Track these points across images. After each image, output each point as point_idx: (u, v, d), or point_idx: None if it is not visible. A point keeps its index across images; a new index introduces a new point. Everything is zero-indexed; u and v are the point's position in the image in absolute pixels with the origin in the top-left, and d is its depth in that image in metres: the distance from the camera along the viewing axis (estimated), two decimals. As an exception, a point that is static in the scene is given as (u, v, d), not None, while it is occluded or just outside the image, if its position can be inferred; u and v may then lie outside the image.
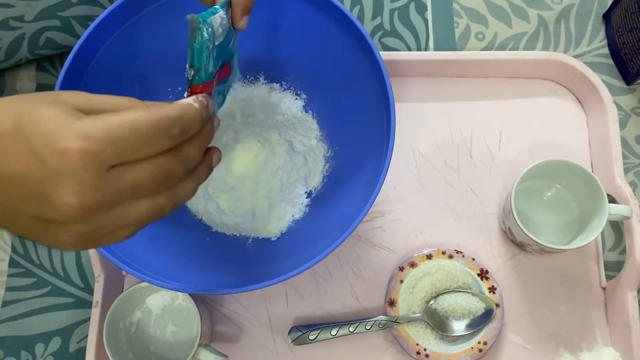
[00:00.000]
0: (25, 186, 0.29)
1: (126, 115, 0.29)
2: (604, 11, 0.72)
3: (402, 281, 0.61)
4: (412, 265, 0.61)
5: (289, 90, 0.62)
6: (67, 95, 0.31)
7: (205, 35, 0.37)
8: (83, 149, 0.28)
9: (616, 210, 0.57)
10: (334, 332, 0.59)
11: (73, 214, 0.29)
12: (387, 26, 0.73)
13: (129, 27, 0.51)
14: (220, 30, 0.39)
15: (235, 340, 0.62)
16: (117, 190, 0.30)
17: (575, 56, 0.70)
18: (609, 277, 0.62)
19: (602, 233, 0.64)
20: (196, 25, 0.36)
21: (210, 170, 0.36)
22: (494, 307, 0.59)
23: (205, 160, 0.36)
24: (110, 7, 0.50)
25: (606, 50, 0.71)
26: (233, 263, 0.58)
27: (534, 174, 0.59)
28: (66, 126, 0.28)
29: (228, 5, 0.40)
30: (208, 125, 0.35)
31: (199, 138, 0.34)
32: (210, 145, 0.36)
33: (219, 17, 0.38)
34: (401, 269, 0.61)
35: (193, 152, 0.33)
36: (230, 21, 0.41)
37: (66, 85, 0.48)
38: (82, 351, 0.61)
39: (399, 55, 0.68)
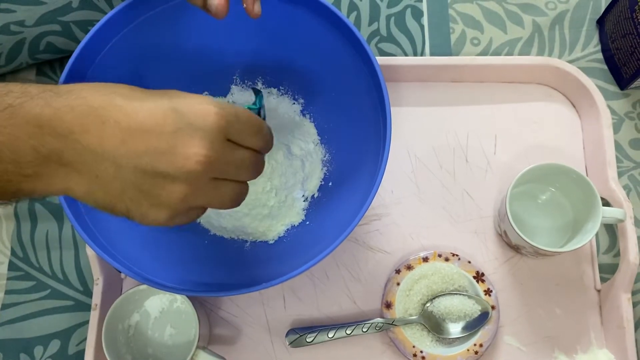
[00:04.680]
0: (151, 137, 0.33)
1: (245, 109, 0.38)
2: (598, 17, 0.73)
3: (398, 284, 0.61)
4: (409, 267, 0.62)
5: (287, 95, 0.63)
6: None
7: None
8: (220, 114, 0.35)
9: (610, 213, 0.58)
10: (331, 335, 0.60)
11: (193, 167, 0.34)
12: (383, 32, 0.74)
13: (129, 32, 0.52)
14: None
15: (233, 343, 0.62)
16: (228, 160, 0.36)
17: (570, 61, 0.71)
18: (603, 280, 0.63)
19: (597, 236, 0.65)
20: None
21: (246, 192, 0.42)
22: (490, 309, 0.60)
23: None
24: (111, 12, 0.50)
25: (600, 56, 0.72)
26: (231, 266, 0.58)
27: (528, 177, 0.60)
28: (205, 98, 0.36)
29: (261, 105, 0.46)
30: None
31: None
32: None
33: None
34: (398, 271, 0.62)
35: (260, 163, 0.40)
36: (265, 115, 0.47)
37: (66, 90, 0.49)
38: (80, 354, 0.62)
39: (396, 60, 0.69)
